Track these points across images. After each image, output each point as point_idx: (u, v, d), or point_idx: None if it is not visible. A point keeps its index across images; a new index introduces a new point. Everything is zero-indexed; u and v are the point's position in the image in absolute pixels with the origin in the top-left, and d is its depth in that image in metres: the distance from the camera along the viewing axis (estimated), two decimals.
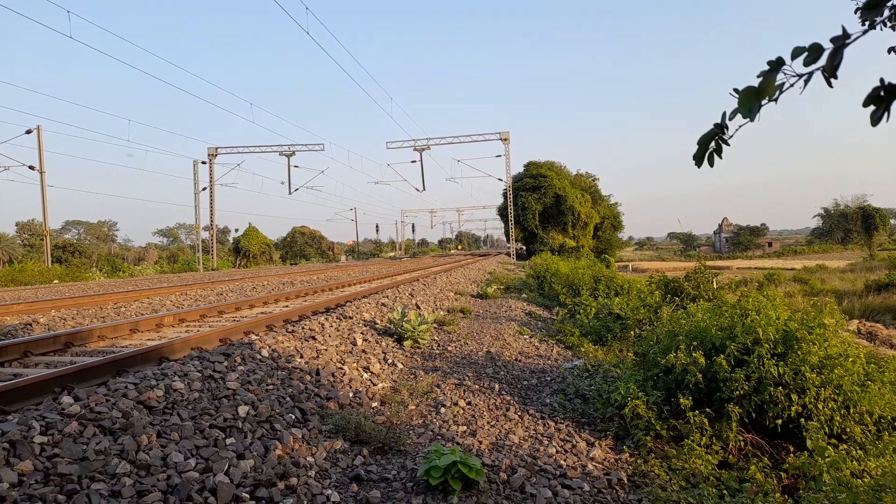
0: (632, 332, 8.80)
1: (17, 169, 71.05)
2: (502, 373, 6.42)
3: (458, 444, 4.21)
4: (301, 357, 5.74)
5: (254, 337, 6.14)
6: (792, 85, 1.46)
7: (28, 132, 29.74)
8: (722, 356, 4.41)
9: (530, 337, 9.04)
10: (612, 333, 8.95)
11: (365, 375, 5.91)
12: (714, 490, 3.54)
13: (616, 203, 67.30)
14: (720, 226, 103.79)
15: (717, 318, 4.96)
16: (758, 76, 1.48)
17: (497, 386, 5.78)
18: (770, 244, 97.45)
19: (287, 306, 10.49)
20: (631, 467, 3.98)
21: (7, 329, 7.78)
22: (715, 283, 10.87)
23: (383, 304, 10.02)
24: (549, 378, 6.25)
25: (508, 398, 5.41)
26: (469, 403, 5.21)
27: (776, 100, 1.48)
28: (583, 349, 8.25)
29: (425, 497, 3.39)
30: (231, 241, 74.64)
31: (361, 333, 7.43)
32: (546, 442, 4.32)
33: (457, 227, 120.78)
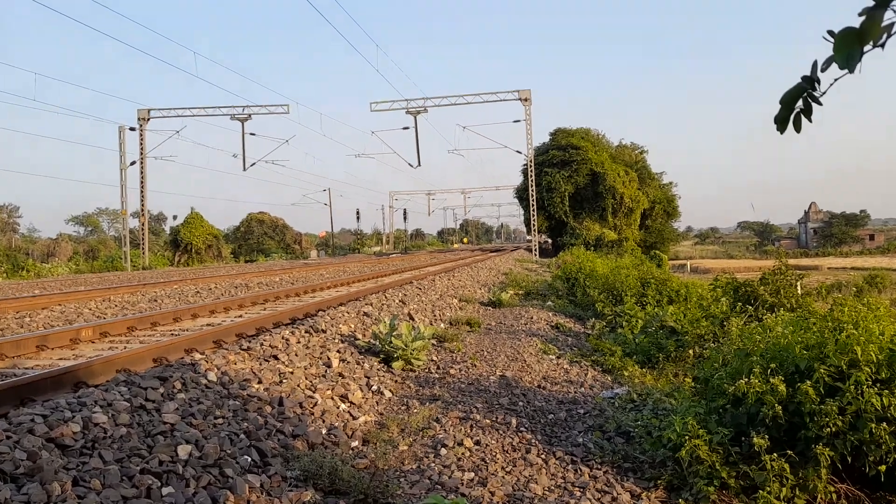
0: (690, 352, 8.80)
1: None
2: (521, 403, 6.42)
3: (463, 495, 4.22)
4: (259, 382, 5.76)
5: (198, 356, 6.15)
6: None
7: None
8: (808, 382, 4.41)
9: (557, 357, 9.05)
10: (664, 353, 8.95)
11: (342, 406, 5.92)
12: None
13: (670, 183, 67.42)
14: (806, 213, 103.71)
15: (803, 334, 4.95)
16: (860, 14, 1.46)
17: (514, 421, 5.79)
18: (871, 237, 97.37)
19: (241, 316, 10.51)
20: None
21: None
22: (799, 288, 10.86)
23: (366, 314, 10.03)
24: (581, 411, 6.26)
25: (529, 436, 5.42)
26: (477, 443, 5.22)
27: (883, 45, 1.47)
28: (626, 373, 8.27)
29: None
30: (168, 232, 74.94)
31: (338, 352, 7.44)
32: (578, 494, 4.33)
33: (462, 213, 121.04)
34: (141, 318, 9.34)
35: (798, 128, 1.60)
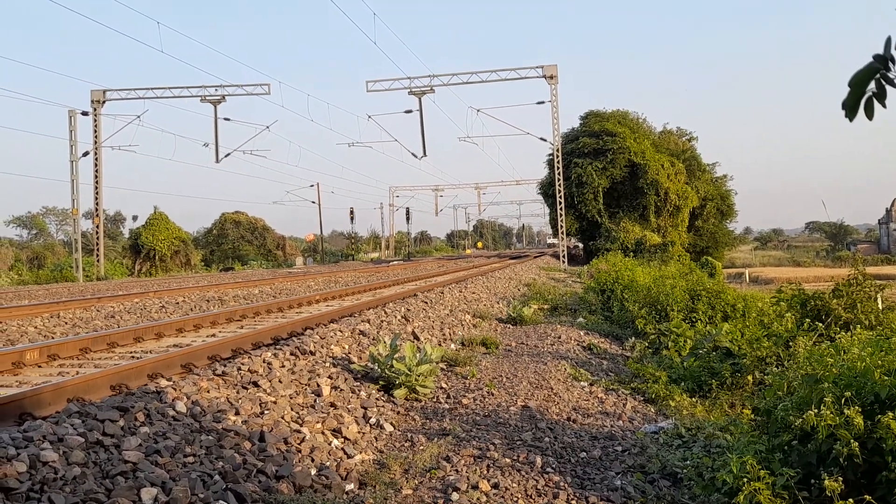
0: (749, 377, 8.79)
1: None
2: (547, 439, 6.44)
3: None
4: (237, 414, 5.81)
5: (164, 383, 6.21)
6: None
7: None
8: (891, 414, 4.40)
9: (590, 384, 9.05)
10: (717, 379, 8.94)
11: (335, 442, 5.96)
12: None
13: (724, 177, 67.33)
14: (888, 212, 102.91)
15: (884, 357, 4.94)
16: None
17: (539, 460, 5.80)
18: None
19: (214, 336, 10.57)
20: None
21: None
22: (880, 302, 10.81)
23: (362, 333, 10.06)
24: (619, 448, 6.26)
25: (557, 478, 5.43)
26: (496, 486, 5.24)
27: None
28: (672, 403, 8.26)
29: None
30: (127, 236, 75.25)
31: (329, 378, 7.48)
32: None
33: (476, 213, 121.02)
34: (96, 338, 9.41)
35: (870, 114, 1.62)
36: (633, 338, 13.13)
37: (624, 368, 10.62)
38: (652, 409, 8.16)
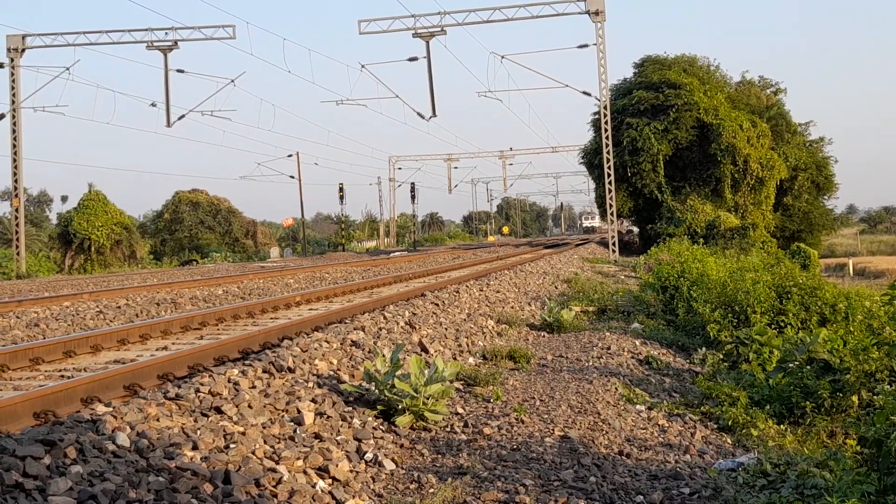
0: (854, 398, 8.70)
1: None
2: (593, 479, 6.40)
3: None
4: (195, 448, 5.78)
5: (102, 409, 6.20)
6: None
7: None
8: None
9: (649, 408, 9.02)
10: (813, 400, 8.87)
11: (321, 484, 5.93)
12: None
13: (821, 140, 66.78)
14: None
15: None
16: None
17: None
18: None
19: (166, 348, 10.58)
20: None
21: None
22: None
23: (355, 344, 10.04)
24: (686, 490, 6.22)
25: None
26: None
27: None
28: (755, 432, 8.23)
29: None
30: (55, 222, 75.73)
31: (313, 401, 7.45)
32: None
33: (500, 189, 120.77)
34: (15, 352, 9.43)
35: None
36: (704, 348, 13.05)
37: (692, 387, 10.56)
38: (728, 440, 8.11)
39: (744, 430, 8.32)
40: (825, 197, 66.63)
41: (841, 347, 9.70)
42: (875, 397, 8.40)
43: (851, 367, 9.01)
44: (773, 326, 12.68)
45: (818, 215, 65.19)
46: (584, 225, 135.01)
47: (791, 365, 10.05)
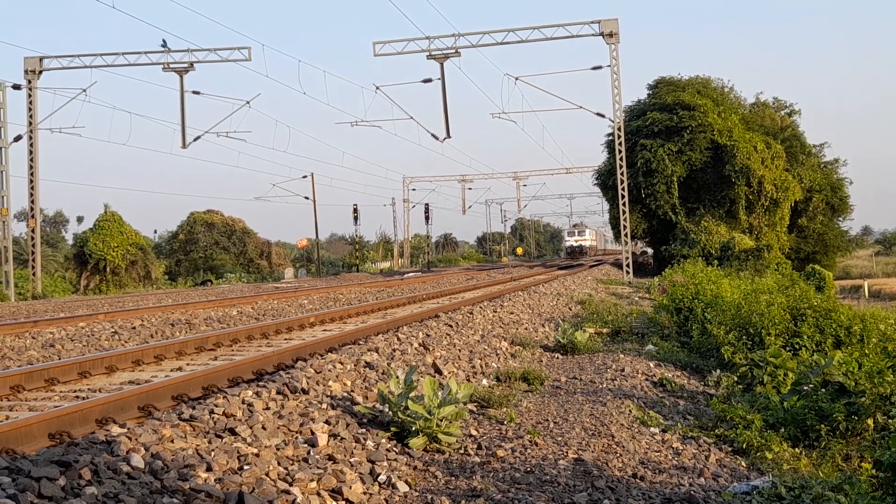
0: (869, 421, 8.65)
1: None
2: (607, 501, 6.39)
3: None
4: (209, 470, 5.79)
5: (117, 430, 6.23)
6: None
7: None
8: None
9: (663, 430, 8.98)
10: (828, 423, 8.82)
11: None
12: None
13: (836, 161, 66.46)
14: None
15: None
16: None
17: None
18: None
19: (180, 369, 10.60)
20: None
21: None
22: None
23: (369, 366, 10.04)
24: None
25: None
26: None
27: None
28: (770, 455, 8.18)
29: None
30: (71, 242, 75.97)
31: (327, 423, 7.45)
32: None
33: (514, 210, 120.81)
34: (31, 373, 9.47)
35: None
36: (718, 370, 13.00)
37: (706, 410, 10.50)
38: (743, 463, 8.07)
39: (758, 454, 8.27)
40: (840, 218, 66.29)
41: (856, 370, 9.65)
42: (890, 421, 8.37)
43: (867, 390, 8.97)
44: (787, 349, 12.62)
45: (833, 237, 64.83)
46: (566, 244, 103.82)
47: (806, 387, 10.00)
